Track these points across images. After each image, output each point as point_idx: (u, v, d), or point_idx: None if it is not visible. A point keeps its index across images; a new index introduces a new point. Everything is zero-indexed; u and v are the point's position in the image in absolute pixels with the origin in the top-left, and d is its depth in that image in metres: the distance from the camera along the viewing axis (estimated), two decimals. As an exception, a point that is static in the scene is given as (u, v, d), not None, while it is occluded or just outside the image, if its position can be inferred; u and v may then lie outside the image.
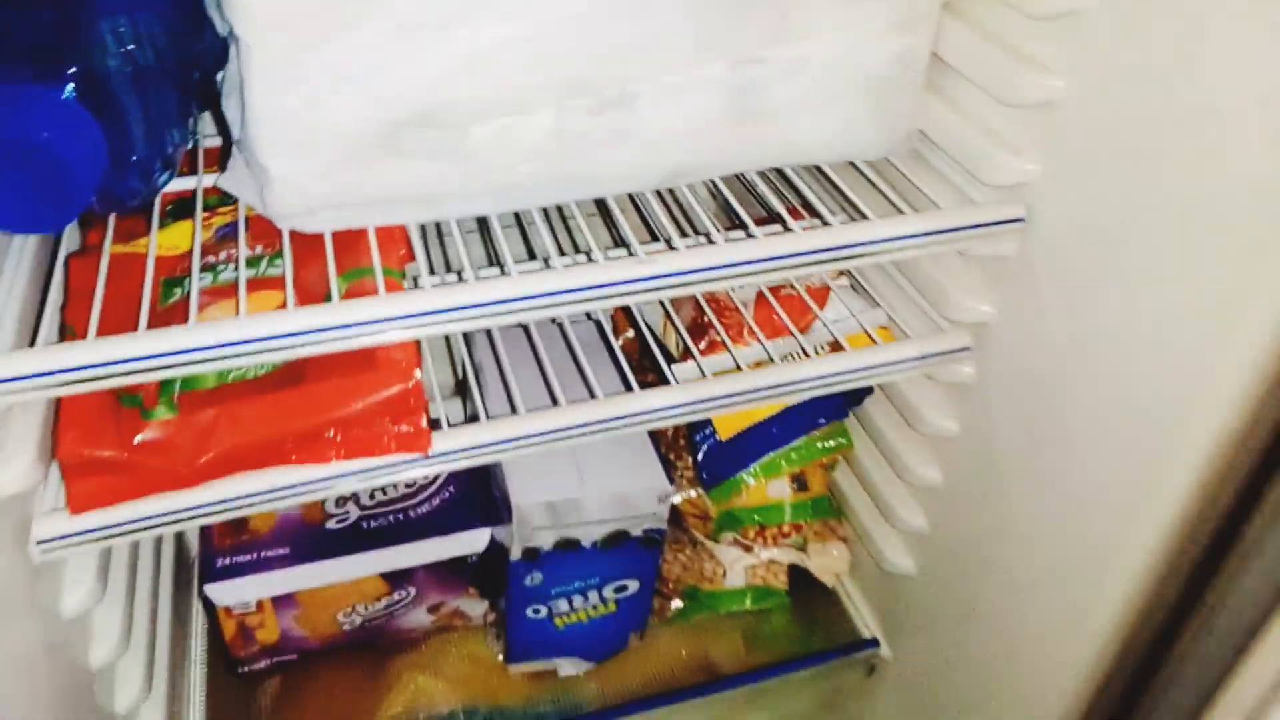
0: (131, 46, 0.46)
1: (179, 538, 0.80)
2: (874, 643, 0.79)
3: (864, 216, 0.53)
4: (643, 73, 0.50)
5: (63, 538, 0.49)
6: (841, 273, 0.68)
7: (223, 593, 0.70)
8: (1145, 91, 0.45)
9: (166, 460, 0.49)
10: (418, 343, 0.52)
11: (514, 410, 0.55)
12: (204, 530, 0.73)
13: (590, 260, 0.51)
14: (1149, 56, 0.44)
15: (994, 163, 0.53)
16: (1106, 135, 0.48)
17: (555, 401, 0.56)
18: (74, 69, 0.44)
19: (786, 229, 0.52)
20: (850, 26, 0.52)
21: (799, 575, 0.81)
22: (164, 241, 0.54)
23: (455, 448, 0.53)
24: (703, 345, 0.65)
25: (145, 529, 0.50)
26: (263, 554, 0.71)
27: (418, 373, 0.51)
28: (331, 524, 0.73)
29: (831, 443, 0.75)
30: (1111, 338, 0.50)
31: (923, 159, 0.59)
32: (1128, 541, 0.51)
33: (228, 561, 0.70)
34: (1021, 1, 0.49)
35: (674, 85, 0.51)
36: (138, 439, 0.48)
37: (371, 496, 0.76)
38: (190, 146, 0.56)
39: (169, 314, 0.50)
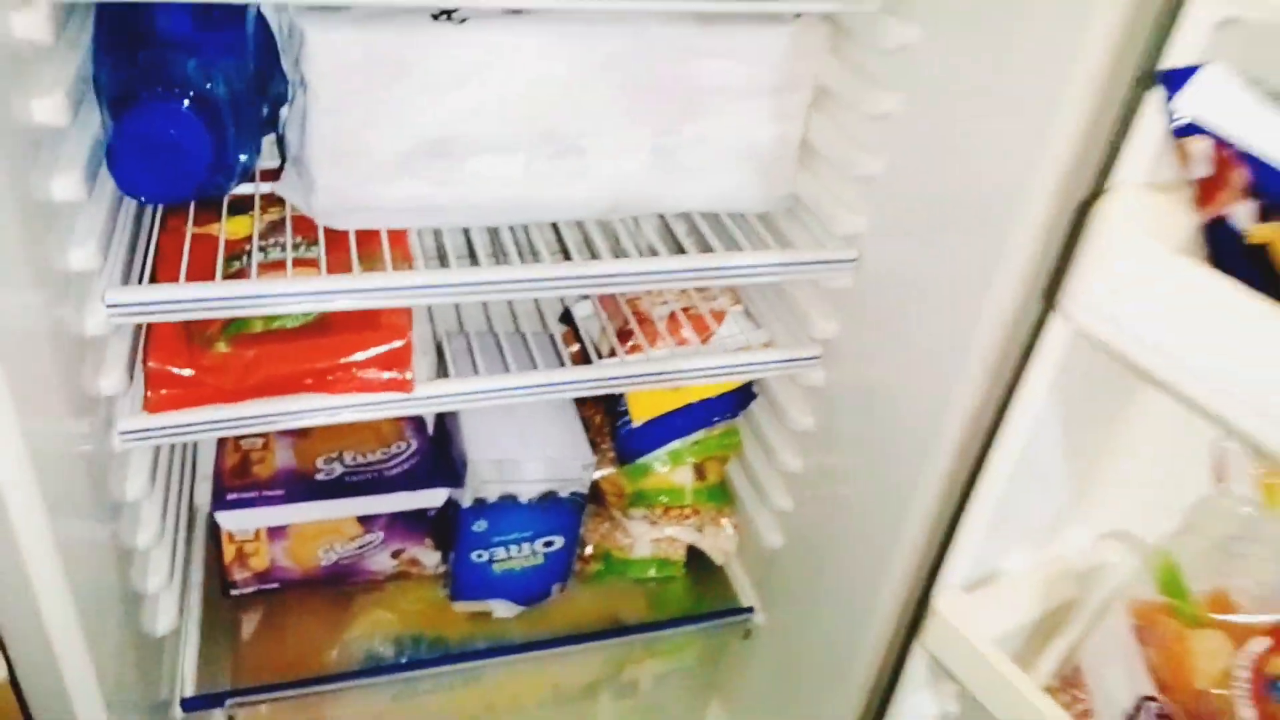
0: (230, 84, 0.66)
1: (193, 490, 0.97)
2: (750, 610, 0.97)
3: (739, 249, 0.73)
4: (591, 132, 0.70)
5: (139, 431, 0.66)
6: (736, 301, 0.88)
7: (229, 519, 0.87)
8: (925, 174, 0.66)
9: (221, 380, 0.67)
10: (410, 313, 0.71)
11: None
12: (217, 470, 0.90)
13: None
14: (929, 148, 0.66)
15: (837, 218, 0.74)
16: (903, 202, 0.69)
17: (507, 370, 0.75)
18: (191, 93, 0.63)
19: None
20: (741, 115, 0.73)
21: (694, 552, 0.99)
22: (228, 229, 0.73)
23: (430, 394, 0.72)
24: (627, 346, 0.84)
25: (200, 431, 0.68)
26: (264, 493, 0.88)
27: (409, 334, 0.70)
28: (320, 476, 0.91)
29: (726, 440, 0.94)
30: (905, 351, 0.70)
31: (795, 215, 0.79)
32: (909, 511, 0.71)
33: (236, 496, 0.87)
34: (857, 103, 0.70)
35: (613, 143, 0.71)
36: (204, 362, 0.67)
37: (354, 459, 0.94)
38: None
39: (232, 277, 0.69)
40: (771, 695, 0.96)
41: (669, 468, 0.94)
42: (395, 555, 0.95)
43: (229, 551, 0.90)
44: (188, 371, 0.67)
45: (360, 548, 0.93)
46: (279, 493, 0.88)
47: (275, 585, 0.93)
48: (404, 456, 0.94)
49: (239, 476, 0.89)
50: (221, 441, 0.93)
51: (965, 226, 0.62)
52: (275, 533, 0.90)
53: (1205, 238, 0.46)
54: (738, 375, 0.79)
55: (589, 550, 0.97)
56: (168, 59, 0.64)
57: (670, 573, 0.99)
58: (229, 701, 0.85)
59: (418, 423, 0.98)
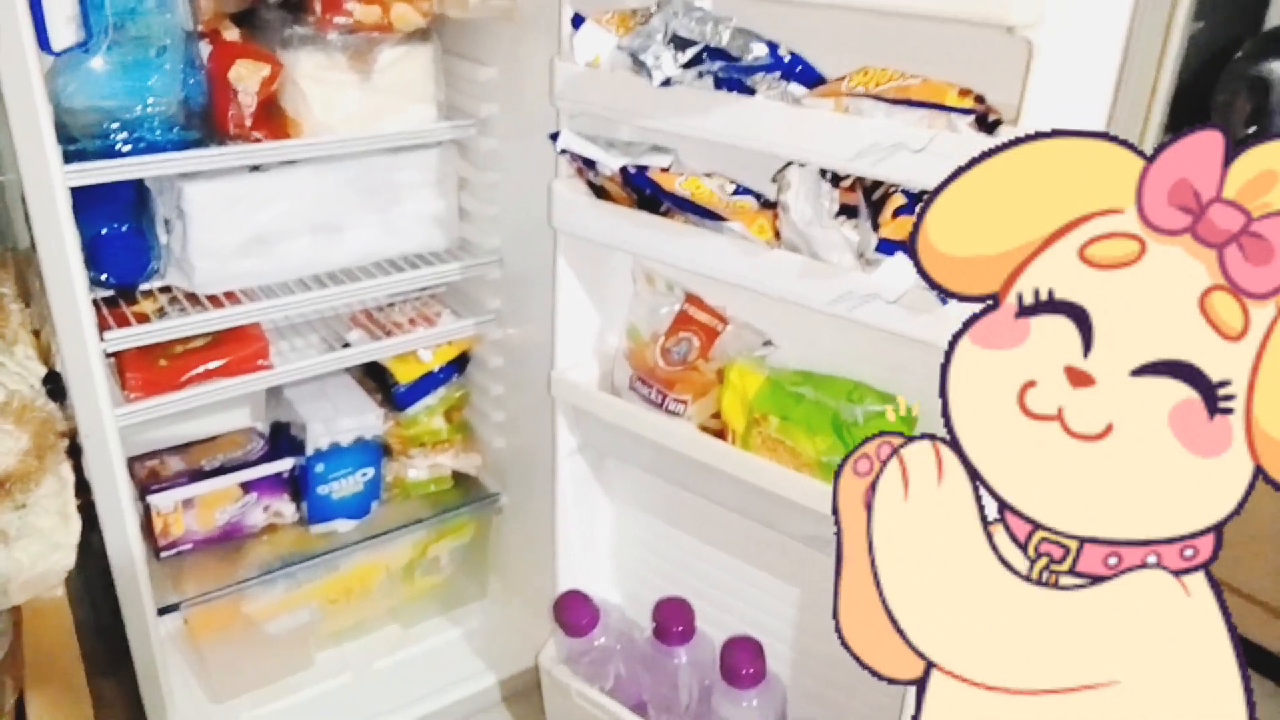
0: (147, 224, 1.23)
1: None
2: (498, 494, 1.58)
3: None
4: (343, 219, 1.33)
5: (127, 413, 1.20)
6: (444, 306, 1.52)
7: (159, 500, 1.38)
8: (519, 209, 1.34)
9: (167, 377, 1.22)
10: (261, 326, 1.29)
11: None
12: (136, 480, 1.40)
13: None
14: (515, 198, 1.34)
15: (485, 243, 1.40)
16: (513, 229, 1.36)
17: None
18: (130, 225, 1.20)
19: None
20: (423, 198, 1.39)
21: (457, 473, 1.59)
22: (146, 305, 1.28)
23: (283, 369, 1.30)
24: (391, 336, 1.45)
25: (158, 409, 1.22)
26: (175, 481, 1.40)
27: (265, 338, 1.28)
28: (207, 466, 1.44)
29: (459, 394, 1.56)
30: (533, 307, 1.37)
31: (465, 249, 1.45)
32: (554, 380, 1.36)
33: (159, 485, 1.39)
34: (478, 181, 1.37)
35: (357, 223, 1.34)
36: (160, 363, 1.22)
37: (225, 457, 1.47)
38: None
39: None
40: (524, 560, 1.56)
41: (429, 418, 1.55)
42: (265, 510, 1.48)
43: (158, 524, 1.40)
44: (155, 375, 1.22)
45: (242, 507, 1.46)
46: (184, 480, 1.41)
47: (189, 546, 1.43)
48: (258, 449, 1.49)
49: (155, 477, 1.41)
50: (130, 462, 1.43)
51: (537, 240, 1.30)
52: (187, 504, 1.41)
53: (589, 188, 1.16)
54: (451, 338, 1.43)
55: (389, 481, 1.55)
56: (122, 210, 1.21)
57: (444, 486, 1.58)
58: (183, 605, 1.34)
59: (259, 432, 1.53)
